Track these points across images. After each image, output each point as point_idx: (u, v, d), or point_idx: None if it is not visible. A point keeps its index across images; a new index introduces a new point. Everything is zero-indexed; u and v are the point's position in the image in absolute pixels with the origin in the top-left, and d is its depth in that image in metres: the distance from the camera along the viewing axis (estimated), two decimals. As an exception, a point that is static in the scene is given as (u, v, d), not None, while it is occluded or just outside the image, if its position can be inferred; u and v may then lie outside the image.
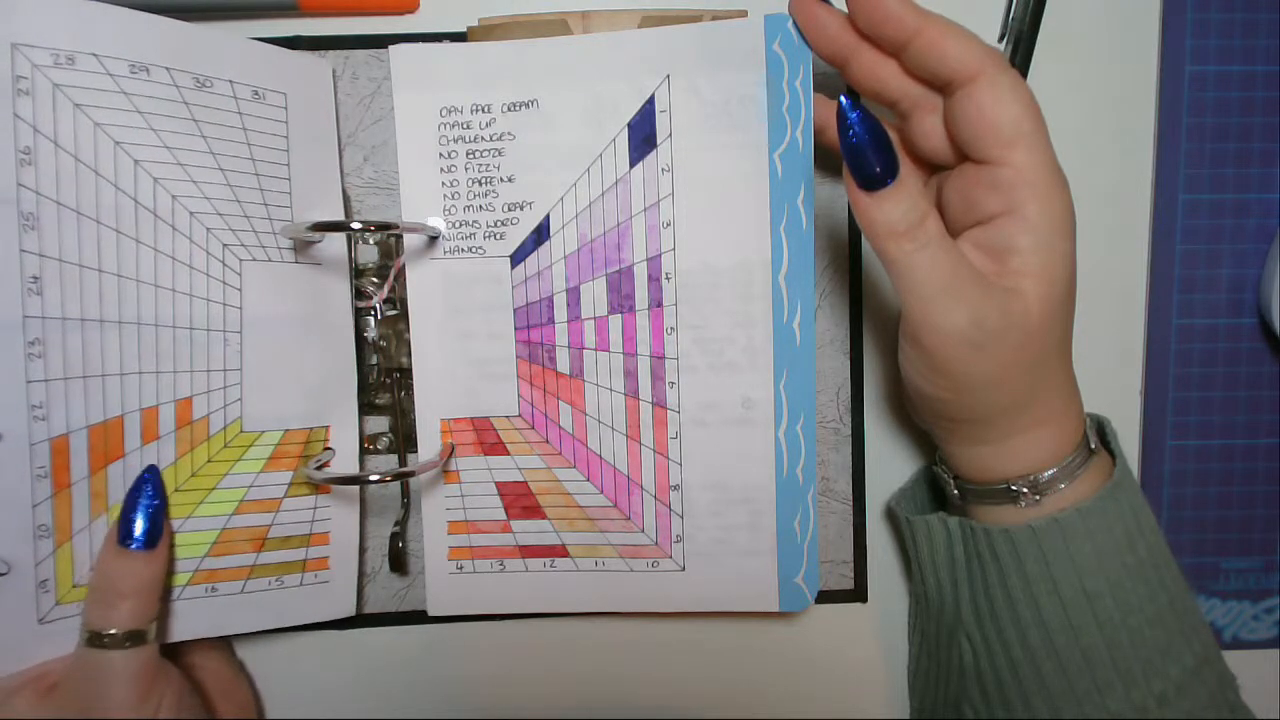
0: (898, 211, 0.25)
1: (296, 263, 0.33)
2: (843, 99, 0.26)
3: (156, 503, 0.30)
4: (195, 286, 0.31)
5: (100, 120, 0.29)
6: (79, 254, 0.29)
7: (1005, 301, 0.26)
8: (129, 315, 0.30)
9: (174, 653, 0.32)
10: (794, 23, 0.30)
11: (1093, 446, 0.29)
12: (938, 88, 0.28)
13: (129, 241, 0.30)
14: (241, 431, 0.32)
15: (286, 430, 0.33)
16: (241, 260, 0.31)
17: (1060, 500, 0.29)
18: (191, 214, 0.30)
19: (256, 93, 0.31)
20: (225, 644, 0.35)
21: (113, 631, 0.28)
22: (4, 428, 0.28)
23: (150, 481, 0.30)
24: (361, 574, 0.36)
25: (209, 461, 0.32)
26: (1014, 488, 0.29)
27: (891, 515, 0.36)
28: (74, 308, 0.29)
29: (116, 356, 0.30)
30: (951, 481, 0.32)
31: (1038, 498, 0.29)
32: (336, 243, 0.33)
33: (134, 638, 0.28)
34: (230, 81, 0.31)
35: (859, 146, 0.25)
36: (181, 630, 0.32)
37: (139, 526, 0.29)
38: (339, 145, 0.34)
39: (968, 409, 0.28)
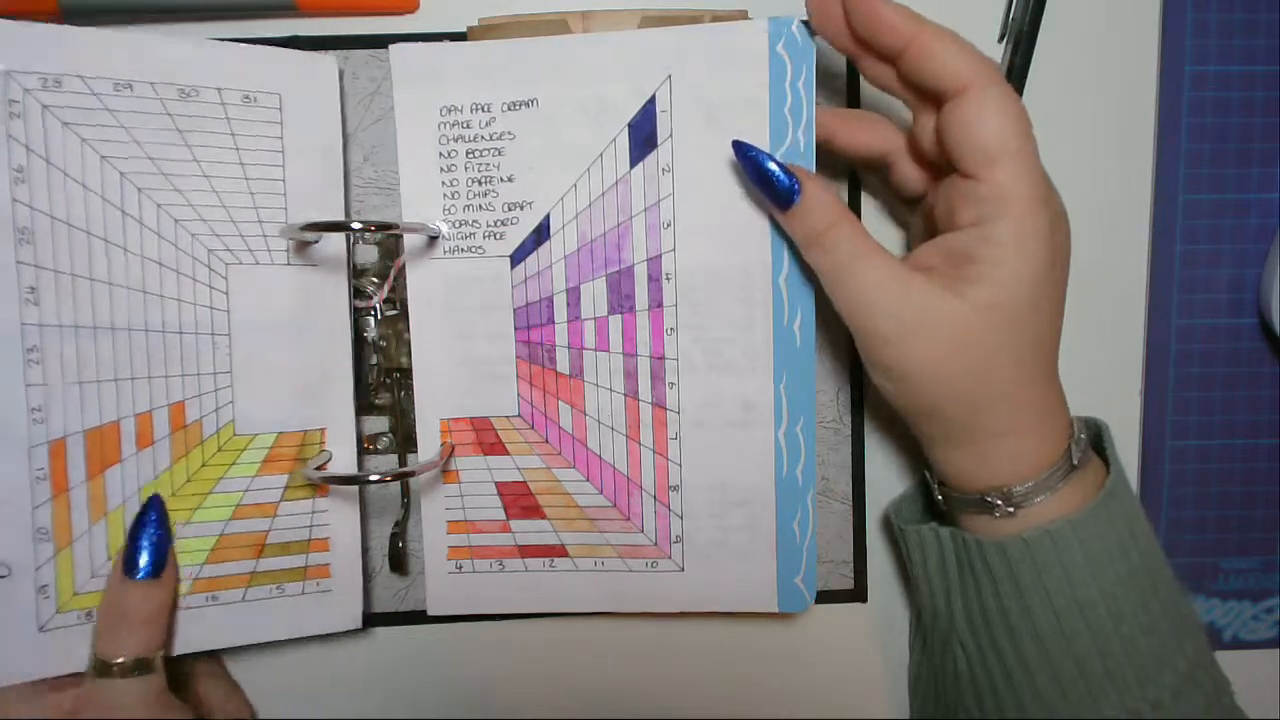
0: (807, 224, 0.29)
1: (289, 264, 0.33)
2: (734, 142, 0.30)
3: (160, 533, 0.30)
4: (183, 292, 0.31)
5: (87, 137, 0.30)
6: (72, 264, 0.30)
7: (932, 301, 0.27)
8: (120, 321, 0.31)
9: (173, 664, 0.32)
10: (799, 23, 0.30)
11: (1075, 462, 0.29)
12: (932, 96, 0.28)
13: (118, 251, 0.31)
14: (235, 435, 0.32)
15: (280, 433, 0.33)
16: (227, 264, 0.32)
17: (1046, 511, 0.28)
18: (177, 221, 0.31)
19: (248, 97, 0.31)
20: (217, 658, 0.35)
21: (120, 660, 0.28)
22: (4, 428, 0.29)
23: (154, 511, 0.30)
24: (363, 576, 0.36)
25: (203, 465, 0.32)
26: (988, 499, 0.29)
27: (888, 523, 0.36)
28: (69, 315, 0.30)
29: (110, 362, 0.30)
30: (936, 488, 0.32)
31: (1011, 510, 0.29)
32: (335, 243, 0.33)
33: (141, 666, 0.29)
34: (218, 89, 0.31)
35: (763, 175, 0.29)
36: (185, 643, 0.32)
37: (144, 557, 0.30)
38: (344, 142, 0.34)
39: (911, 401, 0.29)
